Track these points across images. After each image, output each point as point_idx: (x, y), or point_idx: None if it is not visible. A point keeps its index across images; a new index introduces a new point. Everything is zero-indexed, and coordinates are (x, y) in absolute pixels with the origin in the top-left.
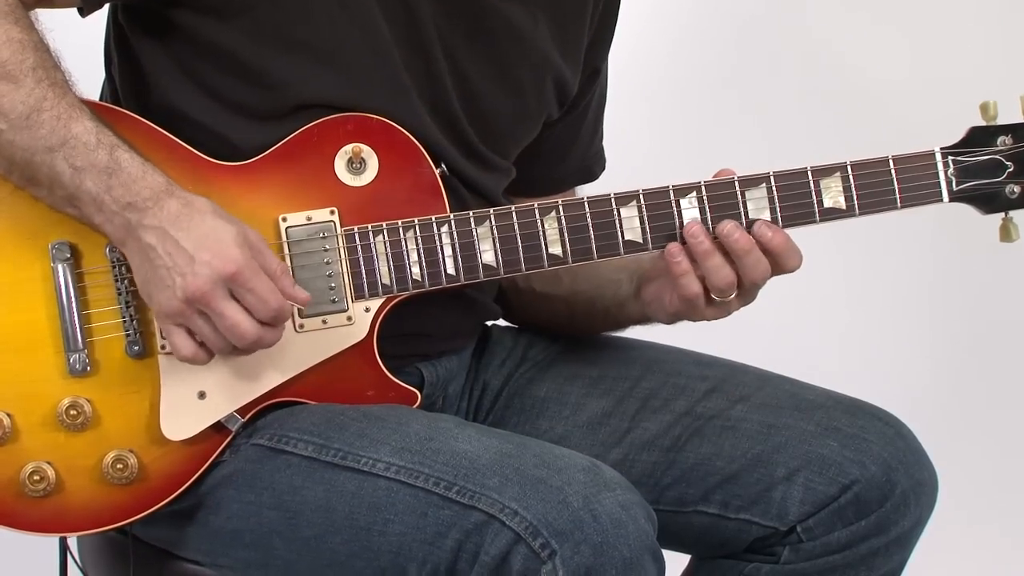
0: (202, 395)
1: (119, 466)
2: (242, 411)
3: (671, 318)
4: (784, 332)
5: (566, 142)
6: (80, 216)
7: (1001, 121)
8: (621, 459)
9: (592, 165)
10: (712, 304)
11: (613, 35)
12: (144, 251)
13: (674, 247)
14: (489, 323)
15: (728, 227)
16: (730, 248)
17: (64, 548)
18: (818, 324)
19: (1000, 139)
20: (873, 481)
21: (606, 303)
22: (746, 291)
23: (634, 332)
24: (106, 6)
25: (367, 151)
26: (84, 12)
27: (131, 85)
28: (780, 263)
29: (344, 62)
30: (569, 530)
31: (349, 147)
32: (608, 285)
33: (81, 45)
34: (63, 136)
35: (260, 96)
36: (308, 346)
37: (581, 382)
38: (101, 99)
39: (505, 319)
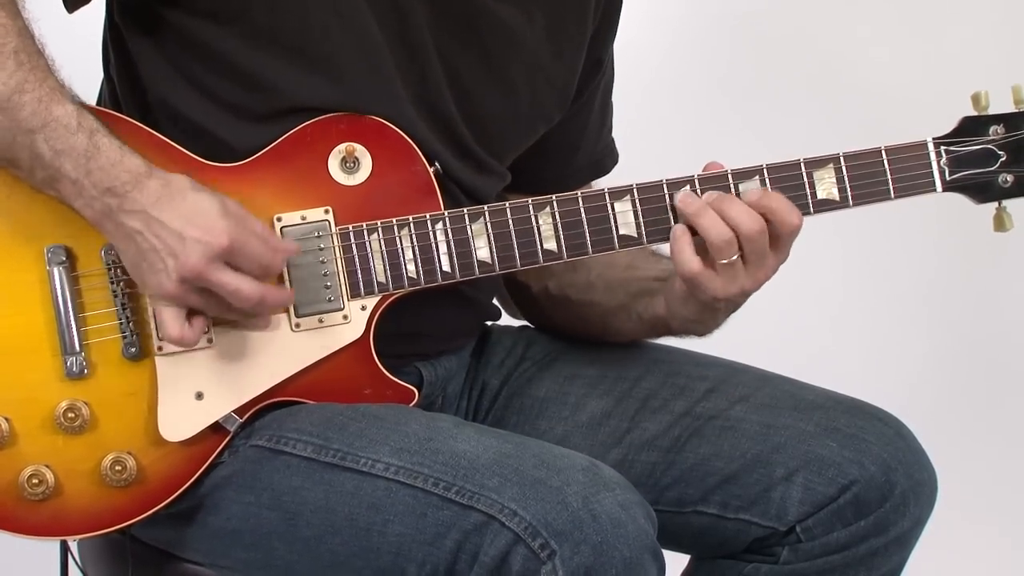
0: (200, 396)
1: (118, 468)
2: (240, 411)
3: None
4: (783, 332)
5: (575, 135)
6: (60, 198)
7: (993, 111)
8: (620, 459)
9: (603, 159)
10: (715, 272)
11: (617, 25)
12: (130, 236)
13: (677, 228)
14: (489, 323)
15: (680, 194)
16: (681, 213)
17: (65, 548)
18: (818, 324)
19: (992, 128)
20: (872, 481)
21: (639, 310)
22: (747, 248)
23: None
24: (101, 4)
25: (360, 150)
26: (69, 8)
27: (128, 85)
28: (780, 219)
29: (337, 68)
30: (568, 530)
31: (342, 146)
32: (642, 295)
33: (80, 46)
34: (44, 118)
35: (254, 99)
36: (305, 345)
37: (581, 382)
38: (99, 99)
39: (536, 327)
